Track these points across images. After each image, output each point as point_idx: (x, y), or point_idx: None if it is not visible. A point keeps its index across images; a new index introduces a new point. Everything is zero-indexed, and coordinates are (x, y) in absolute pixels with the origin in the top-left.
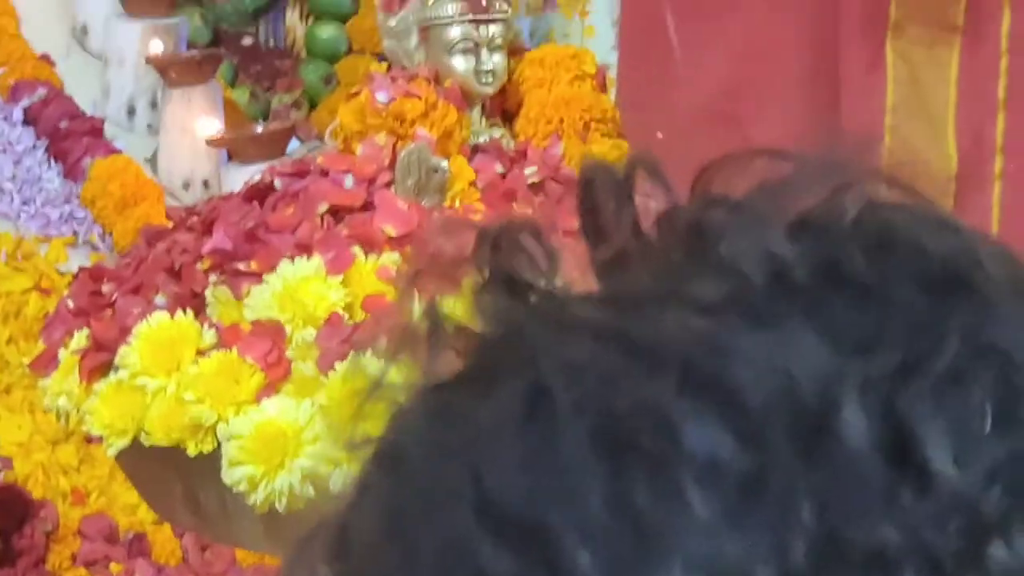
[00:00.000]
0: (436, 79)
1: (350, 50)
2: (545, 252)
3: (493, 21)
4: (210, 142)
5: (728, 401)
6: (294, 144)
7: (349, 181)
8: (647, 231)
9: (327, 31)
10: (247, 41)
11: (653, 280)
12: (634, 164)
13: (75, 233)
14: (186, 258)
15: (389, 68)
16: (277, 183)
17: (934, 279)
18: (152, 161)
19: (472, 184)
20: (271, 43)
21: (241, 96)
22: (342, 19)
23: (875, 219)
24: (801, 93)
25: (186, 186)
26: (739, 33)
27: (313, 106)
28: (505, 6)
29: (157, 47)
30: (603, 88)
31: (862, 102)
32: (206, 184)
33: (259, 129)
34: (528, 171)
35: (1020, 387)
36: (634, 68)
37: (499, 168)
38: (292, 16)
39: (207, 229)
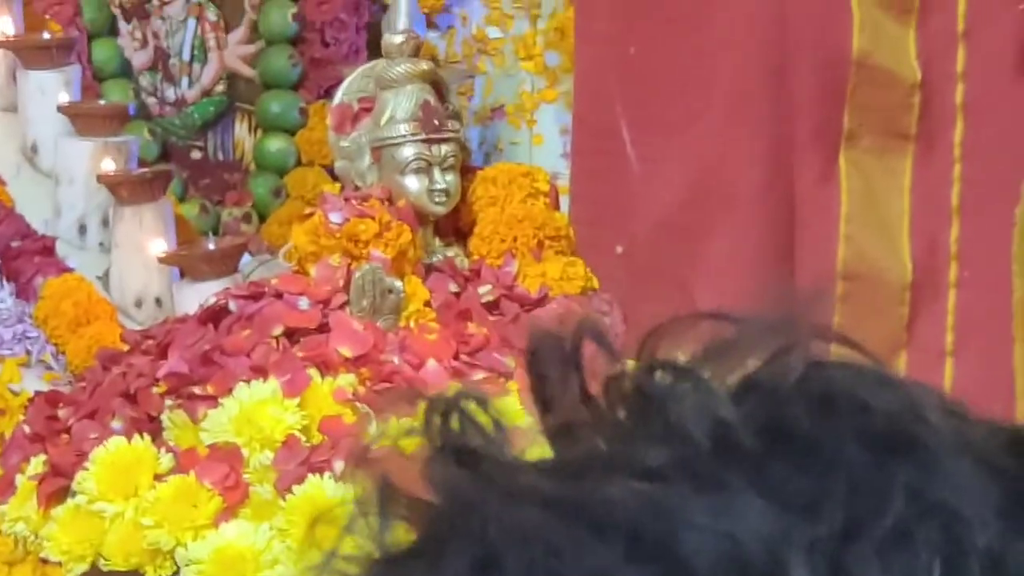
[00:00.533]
0: (389, 199)
1: (299, 162)
2: (494, 421)
3: (445, 140)
4: (162, 260)
5: (675, 569)
6: (245, 258)
7: (304, 303)
8: (595, 396)
9: (276, 144)
10: (196, 154)
11: (601, 446)
12: (581, 332)
13: (28, 352)
14: (142, 382)
15: (342, 188)
16: (232, 306)
17: (878, 437)
18: (104, 279)
19: (427, 304)
20: (220, 156)
21: (191, 210)
22: (291, 132)
23: (818, 378)
24: (757, 205)
25: (139, 304)
26: (696, 147)
27: (263, 219)
28: (456, 125)
29: (108, 165)
30: (556, 205)
31: (817, 212)
32: (159, 302)
33: (211, 246)
34: (482, 290)
35: (967, 544)
36: (589, 184)
37: (453, 287)
38: (240, 129)
39: (162, 352)
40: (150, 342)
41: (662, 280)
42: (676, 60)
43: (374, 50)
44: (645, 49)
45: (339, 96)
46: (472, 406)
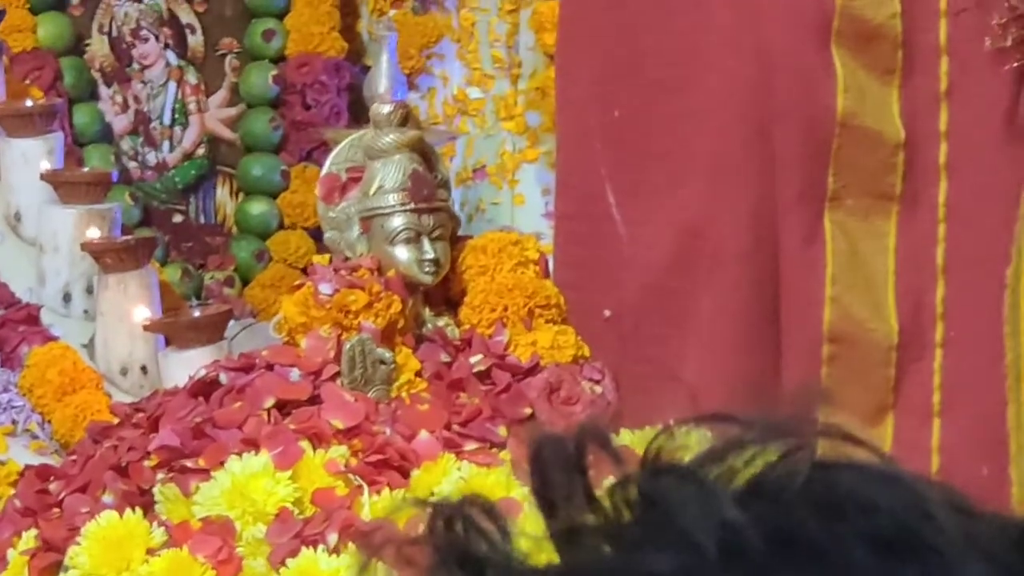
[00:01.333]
0: (379, 269)
1: (281, 225)
2: (499, 528)
3: (434, 210)
4: (147, 328)
5: None
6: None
7: (295, 375)
8: (600, 500)
9: (258, 207)
10: (178, 218)
11: (607, 552)
12: (584, 435)
13: (14, 422)
14: (133, 455)
15: (331, 259)
16: (223, 378)
17: (885, 539)
18: (89, 347)
19: (418, 374)
20: (202, 219)
21: (173, 274)
22: (272, 195)
23: (824, 480)
24: (743, 267)
25: (124, 372)
26: (681, 209)
27: (246, 282)
28: (445, 194)
29: (92, 233)
30: (546, 274)
31: (802, 274)
32: (144, 370)
33: (196, 313)
34: (473, 359)
35: None
36: (574, 248)
37: (444, 357)
38: (222, 192)
39: (153, 425)
40: (141, 415)
41: (650, 343)
42: (660, 122)
43: (356, 112)
44: (628, 112)
45: (327, 166)
46: (477, 513)
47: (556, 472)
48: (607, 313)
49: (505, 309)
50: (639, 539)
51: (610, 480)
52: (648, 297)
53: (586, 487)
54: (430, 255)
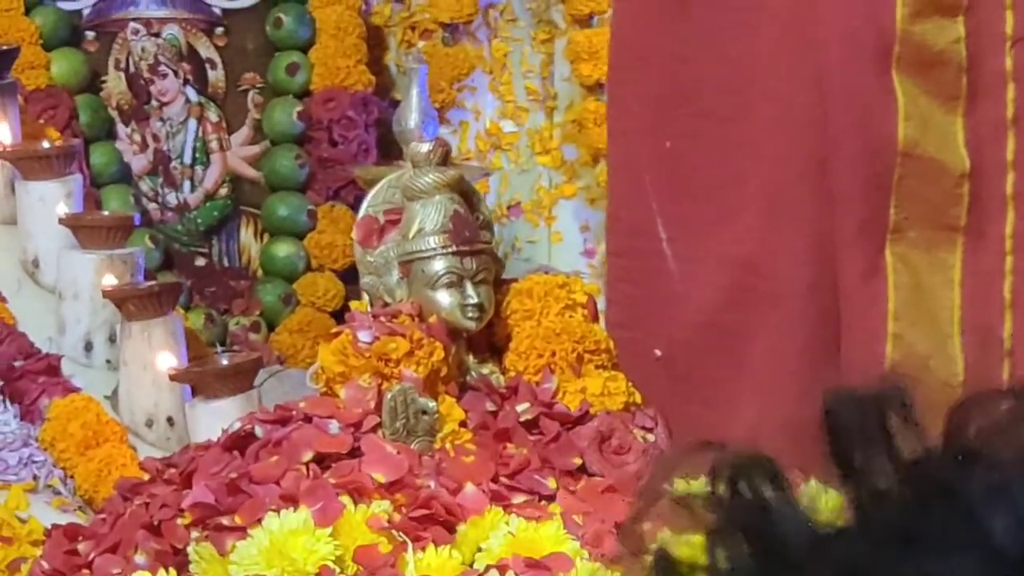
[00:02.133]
0: (420, 315)
1: (309, 267)
2: (780, 488)
3: (477, 253)
4: (173, 377)
5: None
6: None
7: (334, 427)
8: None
9: (283, 249)
10: (200, 261)
11: (906, 547)
12: (884, 399)
13: (35, 478)
14: (165, 513)
15: (370, 305)
16: (258, 431)
17: None
18: (113, 398)
19: (463, 424)
20: (225, 262)
21: (196, 319)
22: (299, 236)
23: None
24: (801, 304)
25: (150, 424)
26: (736, 243)
27: (272, 328)
28: (488, 236)
29: (114, 279)
30: (595, 317)
31: (863, 310)
32: (171, 421)
33: (224, 361)
34: (520, 408)
35: None
36: (625, 286)
37: (490, 406)
38: (246, 234)
39: (186, 481)
40: (172, 470)
41: (704, 386)
42: (713, 153)
43: (384, 148)
44: (680, 142)
45: (364, 208)
46: (759, 474)
47: (855, 435)
48: (658, 353)
49: (553, 355)
50: (938, 538)
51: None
52: (701, 337)
53: (891, 452)
54: (473, 300)
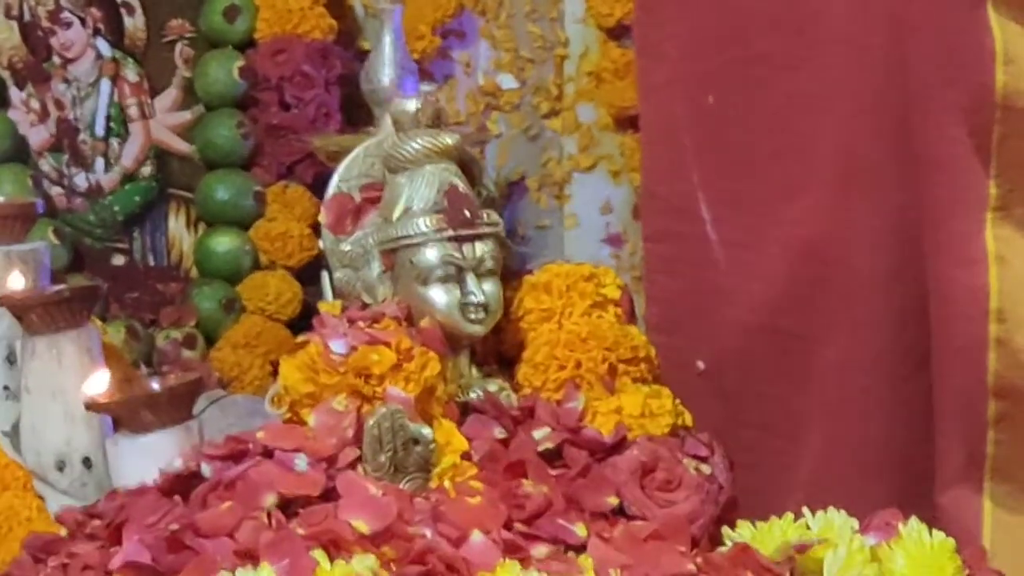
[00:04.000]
0: (409, 319)
1: (256, 265)
2: None
3: (480, 237)
4: (90, 407)
5: None
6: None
7: (302, 462)
8: None
9: (224, 242)
10: (118, 260)
11: None
12: None
13: None
14: None
15: (344, 307)
16: (205, 469)
17: None
18: (12, 435)
19: (466, 456)
20: (150, 261)
21: (116, 333)
22: (243, 225)
23: None
24: (880, 300)
25: (61, 466)
26: (798, 226)
27: (211, 342)
28: (494, 216)
29: (15, 283)
30: (631, 317)
31: (958, 309)
32: (88, 463)
33: (155, 386)
34: (538, 434)
35: None
36: (662, 280)
37: (499, 433)
38: (176, 224)
39: (115, 536)
40: (97, 523)
41: (761, 404)
42: (767, 111)
43: (350, 112)
44: (726, 98)
45: (334, 184)
46: None
47: None
48: (701, 366)
49: (578, 366)
50: None
51: None
52: (756, 343)
53: None
54: (476, 297)
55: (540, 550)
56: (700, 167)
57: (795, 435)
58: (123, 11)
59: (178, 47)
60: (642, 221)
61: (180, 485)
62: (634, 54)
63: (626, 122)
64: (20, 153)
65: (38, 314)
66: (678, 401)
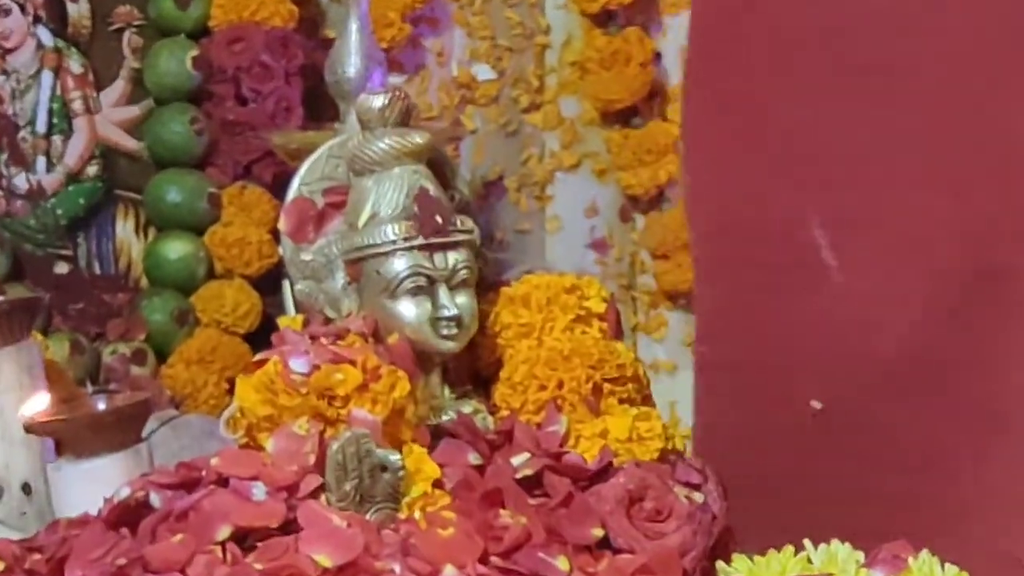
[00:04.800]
0: (376, 335)
1: (211, 274)
2: None
3: (453, 246)
4: (29, 428)
5: None
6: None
7: (260, 491)
8: None
9: (176, 248)
10: (61, 267)
11: None
12: None
13: None
14: None
15: (306, 321)
16: (154, 499)
17: None
18: None
19: (437, 484)
20: (96, 268)
21: (59, 348)
22: (197, 230)
23: None
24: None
25: None
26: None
27: (162, 357)
28: (468, 222)
29: None
30: (617, 332)
31: None
32: (27, 489)
33: (100, 405)
34: (516, 460)
35: None
36: (719, 288)
37: (474, 458)
38: (124, 229)
39: (56, 572)
40: (36, 556)
41: (895, 452)
42: (885, 121)
43: (313, 106)
44: (833, 110)
45: (295, 187)
46: None
47: None
48: (816, 405)
49: (560, 386)
50: None
51: None
52: (886, 375)
53: None
54: (449, 311)
55: None
56: (804, 188)
57: (944, 484)
58: None
59: (126, 36)
60: (686, 209)
61: (128, 516)
62: (685, 74)
63: (612, 117)
64: None
65: None
66: (668, 423)
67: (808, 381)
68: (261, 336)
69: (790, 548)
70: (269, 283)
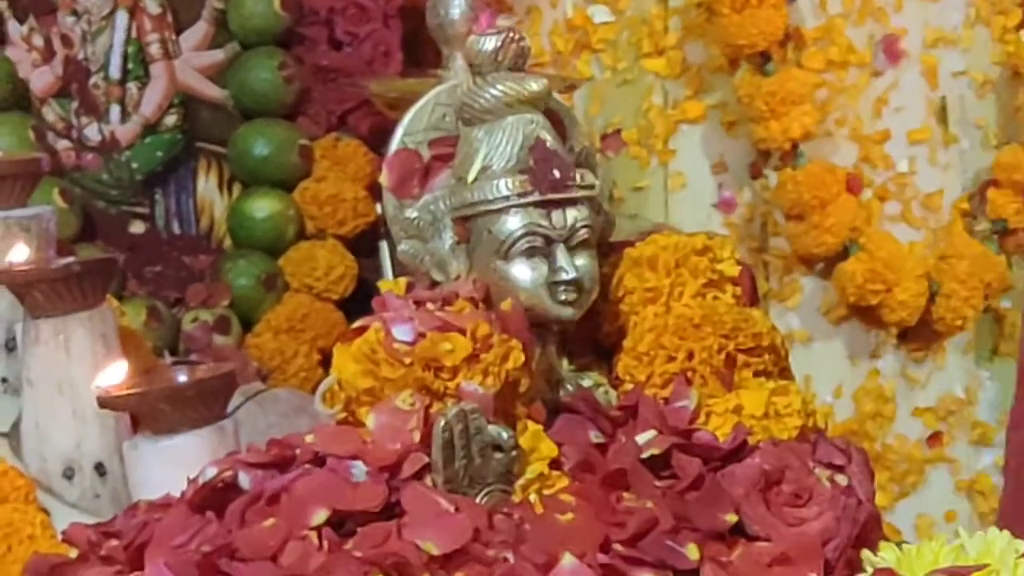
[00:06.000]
0: (487, 300)
1: (302, 234)
2: None
3: (572, 202)
4: (104, 403)
5: None
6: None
7: (360, 472)
8: None
9: (263, 206)
10: (137, 227)
11: None
12: None
13: None
14: None
15: (409, 285)
16: (244, 480)
17: None
18: (12, 436)
19: (554, 464)
20: (176, 228)
21: (135, 315)
22: (286, 186)
23: None
24: None
25: (69, 474)
26: None
27: (248, 326)
28: (590, 177)
29: (18, 254)
30: (752, 298)
31: None
32: (101, 469)
33: (181, 378)
34: (642, 438)
35: None
36: None
37: (595, 436)
38: (206, 185)
39: (135, 559)
40: (114, 542)
41: None
42: None
43: (413, 51)
44: None
45: (398, 138)
46: None
47: None
48: None
49: (689, 357)
50: None
51: None
52: None
53: None
54: (567, 274)
55: None
56: None
57: None
58: None
59: None
60: None
61: (214, 498)
62: None
63: (743, 63)
64: (20, 100)
65: (42, 292)
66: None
67: None
68: (355, 303)
69: (942, 537)
70: (364, 244)
